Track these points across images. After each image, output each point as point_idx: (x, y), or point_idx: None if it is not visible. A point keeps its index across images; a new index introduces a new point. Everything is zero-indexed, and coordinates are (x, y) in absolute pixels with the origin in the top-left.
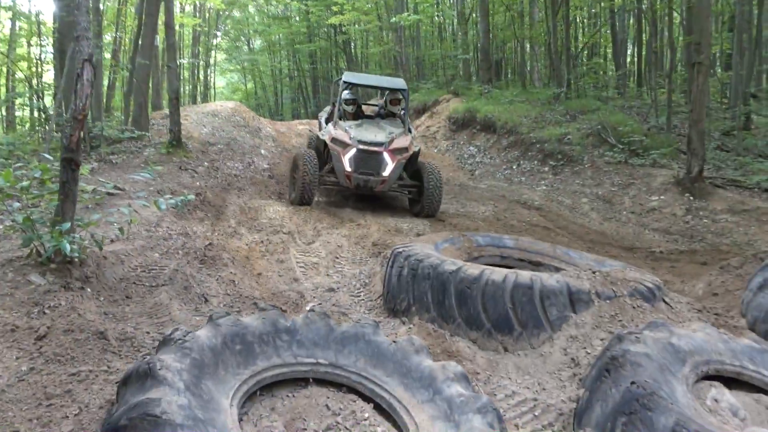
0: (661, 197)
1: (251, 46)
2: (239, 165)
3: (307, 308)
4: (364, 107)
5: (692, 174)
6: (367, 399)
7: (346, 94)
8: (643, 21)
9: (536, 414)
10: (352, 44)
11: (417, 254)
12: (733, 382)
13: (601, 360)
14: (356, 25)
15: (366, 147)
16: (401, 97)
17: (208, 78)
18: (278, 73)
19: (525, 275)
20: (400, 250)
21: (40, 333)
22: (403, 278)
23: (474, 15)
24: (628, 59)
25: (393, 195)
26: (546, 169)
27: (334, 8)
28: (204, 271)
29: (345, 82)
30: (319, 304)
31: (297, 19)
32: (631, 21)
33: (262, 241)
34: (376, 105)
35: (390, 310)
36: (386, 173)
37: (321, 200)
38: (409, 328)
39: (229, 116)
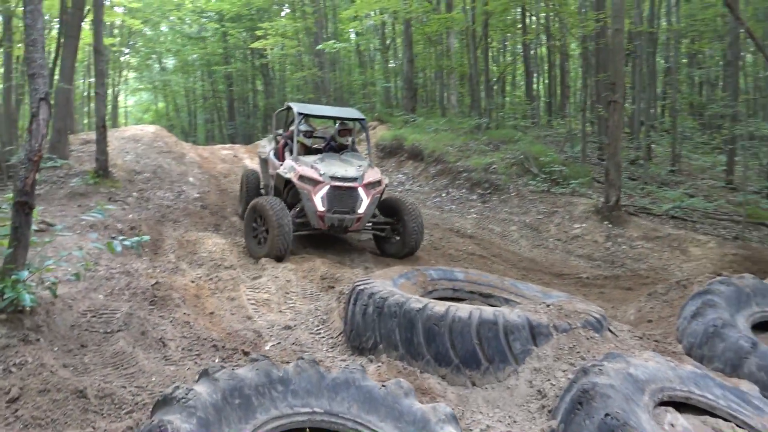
0: (583, 225)
1: (163, 64)
2: (169, 195)
3: (267, 347)
4: (304, 140)
5: (610, 203)
6: None
7: (304, 126)
8: (555, 54)
9: None
10: (270, 67)
11: (381, 292)
12: (682, 406)
13: (571, 392)
14: (274, 49)
15: (340, 183)
16: (351, 127)
17: (117, 98)
18: (192, 94)
19: (489, 311)
20: (362, 287)
21: (12, 395)
22: (368, 316)
23: (395, 44)
24: (541, 91)
25: (360, 235)
26: (474, 197)
27: (258, 33)
28: (156, 313)
29: (300, 114)
30: (278, 342)
31: (213, 39)
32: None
33: (210, 278)
34: (322, 137)
35: (355, 348)
36: (362, 210)
37: None
38: (378, 366)
39: (151, 142)
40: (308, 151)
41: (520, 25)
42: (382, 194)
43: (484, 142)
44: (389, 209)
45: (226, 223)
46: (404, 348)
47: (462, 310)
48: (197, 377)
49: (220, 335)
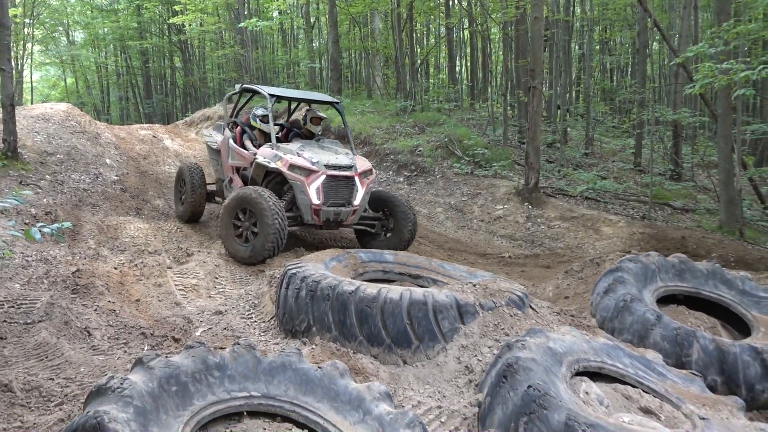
0: (505, 206)
1: (71, 38)
2: (86, 178)
3: (197, 333)
4: (261, 126)
5: (530, 185)
6: (301, 426)
7: (263, 111)
8: (477, 38)
9: (443, 420)
10: (189, 43)
11: (314, 275)
12: (595, 375)
13: (497, 367)
14: (193, 25)
15: (336, 172)
16: (323, 115)
17: (21, 73)
18: (104, 70)
19: (419, 292)
20: (294, 270)
21: None
22: (301, 299)
23: (320, 23)
24: (464, 75)
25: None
26: (401, 179)
27: (176, 7)
28: (79, 302)
29: (271, 95)
30: (209, 328)
31: (126, 12)
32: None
33: (135, 264)
34: (281, 124)
35: (288, 332)
36: (357, 201)
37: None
38: (312, 348)
39: (62, 121)
40: (266, 138)
41: (443, 9)
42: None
43: (410, 125)
44: (377, 203)
45: (148, 207)
46: (337, 330)
47: (393, 291)
48: (131, 366)
49: (148, 322)
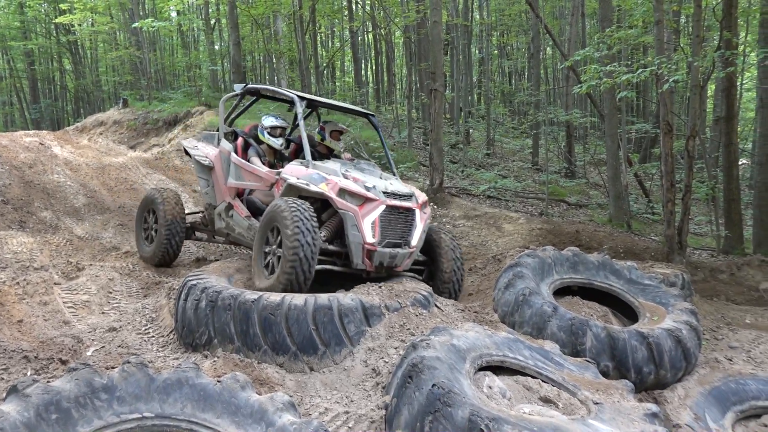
0: None
1: None
2: None
3: (89, 353)
4: (271, 141)
5: (434, 186)
6: None
7: (273, 121)
8: (381, 42)
9: (350, 426)
10: (80, 45)
11: (214, 285)
12: (498, 369)
13: (402, 368)
14: (83, 25)
15: (397, 203)
16: (346, 129)
17: None
18: None
19: (323, 297)
20: (194, 281)
21: None
22: (201, 311)
23: (221, 24)
24: (369, 78)
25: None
26: None
27: (63, 6)
28: None
29: (301, 98)
30: (102, 347)
31: (8, 11)
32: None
33: (17, 282)
34: (290, 139)
35: (188, 345)
36: (415, 242)
37: (73, 226)
38: (214, 361)
39: None
40: (276, 156)
41: (346, 12)
42: None
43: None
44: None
45: (34, 220)
46: (240, 340)
47: (297, 297)
48: (5, 395)
49: (32, 345)
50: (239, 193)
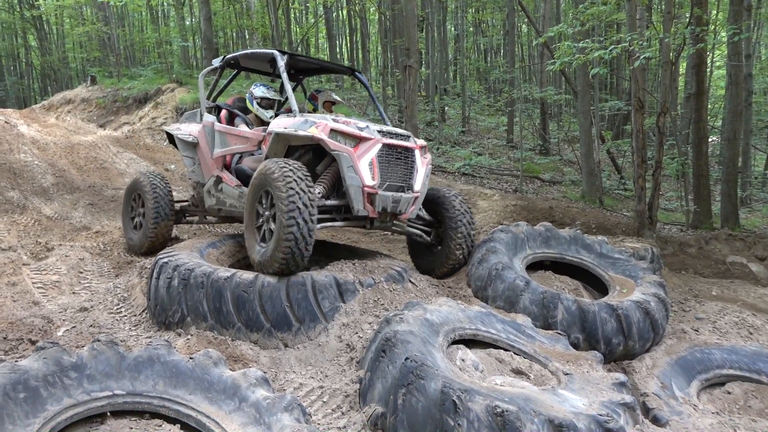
0: None
1: None
2: None
3: (60, 333)
4: (260, 113)
5: None
6: (172, 421)
7: (263, 91)
8: (355, 18)
9: (325, 400)
10: (45, 20)
11: (187, 263)
12: (471, 342)
13: (376, 342)
14: (48, 0)
15: (394, 141)
16: (338, 99)
17: None
18: None
19: (298, 273)
20: (166, 260)
21: None
22: (173, 289)
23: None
24: (344, 54)
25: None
26: None
27: None
28: None
29: (282, 53)
30: (73, 327)
31: None
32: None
33: None
34: (279, 112)
35: (161, 324)
36: (418, 185)
37: (41, 206)
38: (187, 339)
39: None
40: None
41: None
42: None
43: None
44: (426, 202)
45: (0, 200)
46: (214, 318)
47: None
48: None
49: (1, 326)
50: (227, 165)
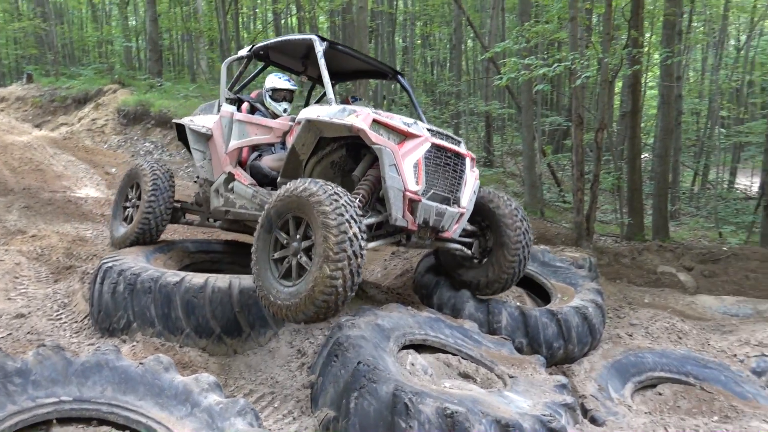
0: None
1: None
2: None
3: None
4: (274, 107)
5: None
6: (121, 427)
7: (274, 81)
8: (305, 26)
9: (276, 406)
10: None
11: (132, 268)
12: (420, 347)
13: (327, 347)
14: None
15: (444, 143)
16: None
17: None
18: None
19: (249, 279)
20: (110, 264)
21: None
22: (118, 294)
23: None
24: None
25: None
26: None
27: None
28: None
29: (322, 39)
30: (9, 334)
31: None
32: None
33: None
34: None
35: (104, 330)
36: (466, 201)
37: None
38: (133, 345)
39: None
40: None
41: None
42: None
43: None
44: (474, 209)
45: None
46: (161, 324)
47: (221, 280)
48: None
49: None
50: (241, 162)
